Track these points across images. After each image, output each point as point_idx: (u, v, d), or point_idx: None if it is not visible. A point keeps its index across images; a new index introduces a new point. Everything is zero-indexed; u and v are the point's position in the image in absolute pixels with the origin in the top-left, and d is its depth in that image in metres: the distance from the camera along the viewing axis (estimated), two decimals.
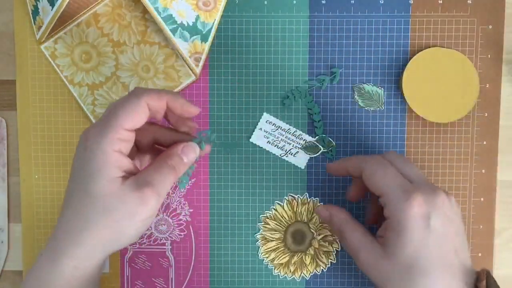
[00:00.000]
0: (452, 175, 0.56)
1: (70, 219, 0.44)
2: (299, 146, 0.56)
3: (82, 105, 0.56)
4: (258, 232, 0.56)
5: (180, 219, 0.56)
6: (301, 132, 0.56)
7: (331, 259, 0.56)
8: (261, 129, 0.56)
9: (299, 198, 0.55)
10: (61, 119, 0.56)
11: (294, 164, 0.56)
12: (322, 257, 0.56)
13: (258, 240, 0.56)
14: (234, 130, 0.56)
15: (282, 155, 0.56)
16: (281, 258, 0.56)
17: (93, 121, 0.55)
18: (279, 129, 0.56)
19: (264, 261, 0.56)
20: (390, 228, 0.46)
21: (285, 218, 0.56)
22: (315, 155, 0.56)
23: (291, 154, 0.56)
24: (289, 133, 0.56)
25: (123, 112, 0.44)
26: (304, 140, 0.56)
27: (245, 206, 0.56)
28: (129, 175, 0.45)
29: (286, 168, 0.56)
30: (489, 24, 0.55)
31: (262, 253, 0.56)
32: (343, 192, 0.56)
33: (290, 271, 0.56)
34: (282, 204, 0.56)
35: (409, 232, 0.45)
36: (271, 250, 0.56)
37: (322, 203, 0.56)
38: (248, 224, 0.56)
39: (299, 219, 0.56)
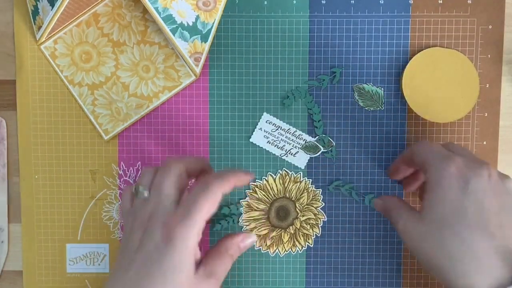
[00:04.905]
0: None
1: None
2: (299, 146, 0.56)
3: (82, 105, 0.56)
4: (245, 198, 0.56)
5: None
6: (301, 132, 0.56)
7: (308, 243, 0.56)
8: (261, 129, 0.56)
9: (292, 175, 0.55)
10: (61, 119, 0.56)
11: (294, 164, 0.56)
12: (300, 239, 0.56)
13: (242, 207, 0.56)
14: (234, 130, 0.56)
15: (282, 155, 0.56)
16: (260, 229, 0.56)
17: (93, 121, 0.55)
18: (279, 129, 0.56)
19: (242, 229, 0.56)
20: (428, 190, 0.46)
21: (274, 191, 0.55)
22: (315, 155, 0.56)
23: (291, 154, 0.56)
24: (289, 133, 0.56)
25: (206, 207, 0.44)
26: (304, 140, 0.56)
27: None
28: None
29: (286, 168, 0.56)
30: (489, 24, 0.55)
31: (243, 220, 0.56)
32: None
33: (265, 245, 0.56)
34: (274, 176, 0.55)
35: (443, 190, 0.45)
36: (252, 219, 0.56)
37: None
38: None
39: (287, 195, 0.55)
